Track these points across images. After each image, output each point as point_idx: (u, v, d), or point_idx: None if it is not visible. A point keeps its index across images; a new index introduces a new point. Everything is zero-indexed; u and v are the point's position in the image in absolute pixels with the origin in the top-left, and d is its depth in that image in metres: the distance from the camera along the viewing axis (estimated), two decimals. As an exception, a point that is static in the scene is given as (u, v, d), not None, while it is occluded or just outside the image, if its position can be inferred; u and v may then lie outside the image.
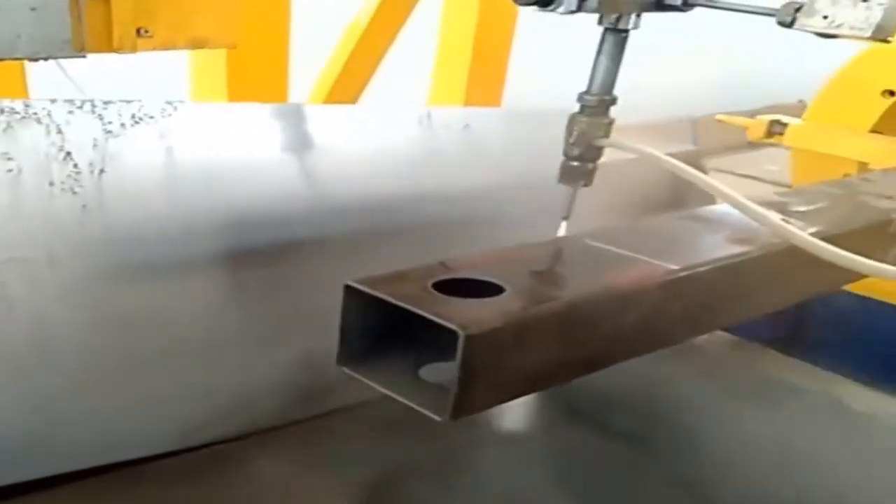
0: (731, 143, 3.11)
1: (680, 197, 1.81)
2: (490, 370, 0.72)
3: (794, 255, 0.85)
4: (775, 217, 0.84)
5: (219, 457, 1.07)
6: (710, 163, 2.64)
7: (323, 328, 0.80)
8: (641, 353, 0.85)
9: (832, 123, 1.67)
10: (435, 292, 0.76)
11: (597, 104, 0.91)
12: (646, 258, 0.85)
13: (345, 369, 0.78)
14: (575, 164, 0.93)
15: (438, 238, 1.10)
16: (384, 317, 0.76)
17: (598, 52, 0.91)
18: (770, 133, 1.75)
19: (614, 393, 1.23)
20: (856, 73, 1.67)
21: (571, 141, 0.92)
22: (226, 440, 1.08)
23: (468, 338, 0.68)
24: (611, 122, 0.92)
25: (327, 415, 1.15)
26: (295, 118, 1.05)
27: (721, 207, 1.12)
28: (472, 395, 0.72)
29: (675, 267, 0.84)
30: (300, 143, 1.06)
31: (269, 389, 1.11)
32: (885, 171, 1.29)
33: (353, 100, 1.92)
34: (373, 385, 0.77)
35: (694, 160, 1.91)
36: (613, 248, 0.87)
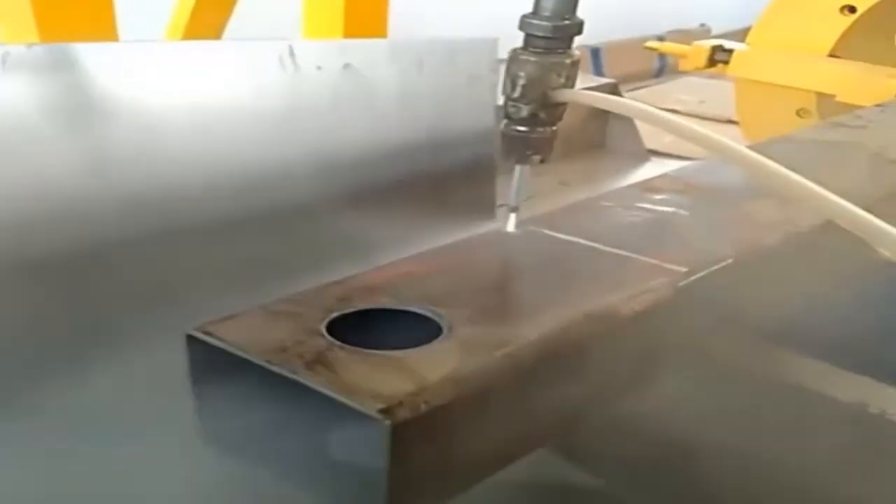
0: (637, 71, 2.93)
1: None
2: (432, 463, 0.45)
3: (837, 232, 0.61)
4: (817, 187, 0.59)
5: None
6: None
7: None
8: (645, 389, 0.59)
9: (784, 49, 1.43)
10: (331, 339, 0.47)
11: (552, 34, 0.59)
12: (639, 256, 0.58)
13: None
14: (522, 129, 0.61)
15: (311, 232, 0.73)
16: (257, 373, 0.47)
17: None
18: (712, 61, 1.50)
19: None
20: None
21: (516, 95, 0.60)
22: None
23: (396, 427, 0.41)
24: (575, 63, 0.61)
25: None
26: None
27: (693, 167, 0.88)
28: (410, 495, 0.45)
29: (682, 269, 0.57)
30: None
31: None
32: (881, 106, 1.06)
33: (216, 34, 1.57)
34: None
35: (614, 93, 1.64)
36: (589, 243, 0.60)
